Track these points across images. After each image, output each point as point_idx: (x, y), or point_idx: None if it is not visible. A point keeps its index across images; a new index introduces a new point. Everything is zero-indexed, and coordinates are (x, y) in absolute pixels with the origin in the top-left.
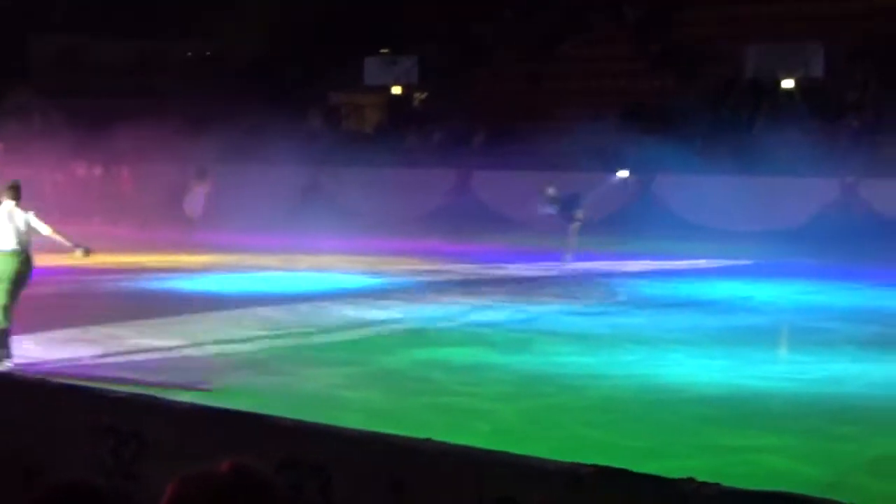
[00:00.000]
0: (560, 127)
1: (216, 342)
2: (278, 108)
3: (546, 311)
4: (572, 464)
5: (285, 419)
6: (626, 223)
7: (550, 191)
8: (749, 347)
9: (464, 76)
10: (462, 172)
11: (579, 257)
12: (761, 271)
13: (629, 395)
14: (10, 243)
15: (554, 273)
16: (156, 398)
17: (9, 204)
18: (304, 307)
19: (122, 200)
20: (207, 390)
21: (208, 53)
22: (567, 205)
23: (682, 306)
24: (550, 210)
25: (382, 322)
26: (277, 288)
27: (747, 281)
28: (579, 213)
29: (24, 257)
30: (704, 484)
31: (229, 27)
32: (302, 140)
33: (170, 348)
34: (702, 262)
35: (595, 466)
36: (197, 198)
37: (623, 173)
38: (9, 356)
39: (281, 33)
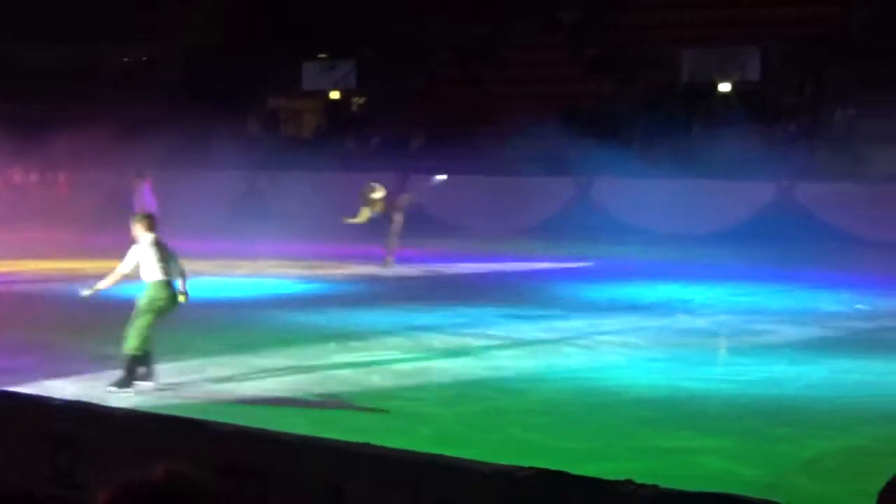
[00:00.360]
0: (498, 131)
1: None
2: (217, 114)
3: (486, 314)
4: (511, 466)
5: (224, 424)
6: (566, 227)
7: (376, 194)
8: (687, 349)
9: (401, 80)
10: (400, 176)
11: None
12: (699, 273)
13: (568, 397)
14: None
15: (494, 276)
16: (92, 405)
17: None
18: (241, 312)
19: (59, 206)
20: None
21: (145, 58)
22: (389, 206)
23: (621, 309)
24: (373, 215)
25: (321, 327)
26: (214, 293)
27: (685, 283)
28: (397, 216)
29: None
30: (642, 486)
31: (166, 32)
32: (241, 145)
33: (104, 356)
34: (639, 265)
35: (533, 469)
36: (145, 195)
37: (441, 177)
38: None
39: (219, 38)
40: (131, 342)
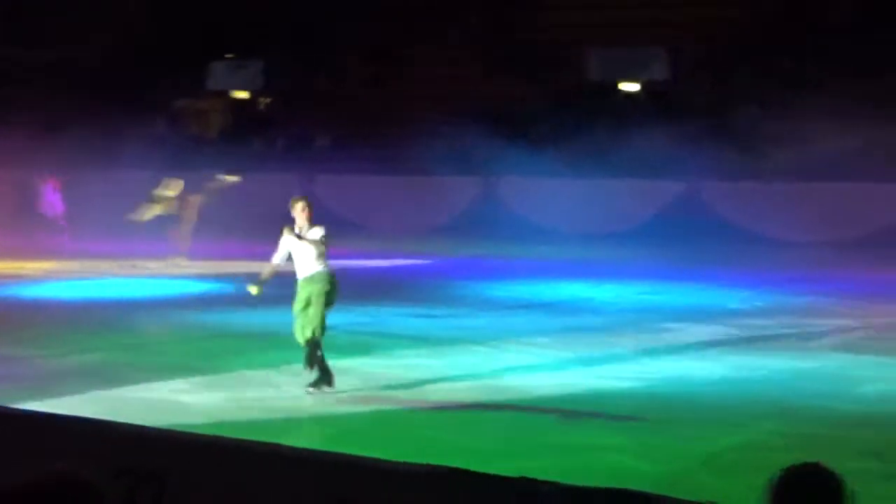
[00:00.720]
0: (406, 131)
1: (55, 348)
2: (126, 114)
3: (391, 313)
4: (414, 465)
5: (123, 425)
6: (473, 226)
7: (168, 192)
8: (591, 347)
9: (309, 80)
10: (305, 177)
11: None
12: (604, 272)
13: (473, 396)
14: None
15: (401, 276)
16: None
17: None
18: (145, 312)
19: None
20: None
21: (57, 60)
22: (182, 204)
23: (526, 307)
24: (164, 212)
25: (224, 326)
26: (119, 293)
27: (591, 282)
28: (189, 214)
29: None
30: (544, 482)
31: (77, 33)
32: (149, 145)
33: (7, 358)
34: (546, 264)
35: (436, 467)
36: (48, 195)
37: (232, 178)
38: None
39: (128, 39)
40: (309, 332)
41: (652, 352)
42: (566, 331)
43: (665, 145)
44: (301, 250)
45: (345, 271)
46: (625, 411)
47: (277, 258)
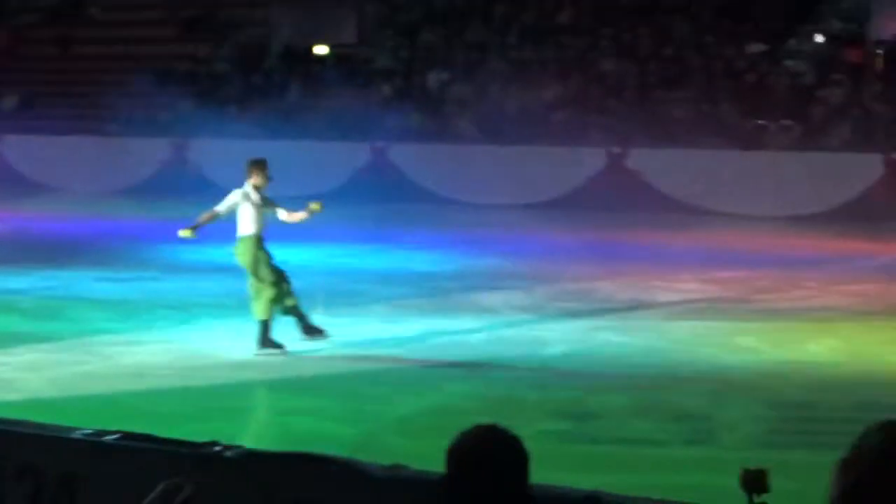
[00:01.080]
0: (96, 92)
1: None
2: None
3: (78, 277)
4: (95, 430)
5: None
6: (163, 188)
7: None
8: None
9: None
10: None
11: None
12: (295, 236)
13: (164, 361)
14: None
15: (89, 238)
16: None
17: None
18: None
19: None
20: None
21: None
22: None
23: (217, 271)
24: None
25: None
26: None
27: (281, 245)
28: None
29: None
30: (229, 446)
31: None
32: None
33: None
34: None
35: (120, 432)
36: None
37: None
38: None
39: None
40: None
41: (344, 315)
42: None
43: (354, 108)
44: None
45: (32, 233)
46: (315, 375)
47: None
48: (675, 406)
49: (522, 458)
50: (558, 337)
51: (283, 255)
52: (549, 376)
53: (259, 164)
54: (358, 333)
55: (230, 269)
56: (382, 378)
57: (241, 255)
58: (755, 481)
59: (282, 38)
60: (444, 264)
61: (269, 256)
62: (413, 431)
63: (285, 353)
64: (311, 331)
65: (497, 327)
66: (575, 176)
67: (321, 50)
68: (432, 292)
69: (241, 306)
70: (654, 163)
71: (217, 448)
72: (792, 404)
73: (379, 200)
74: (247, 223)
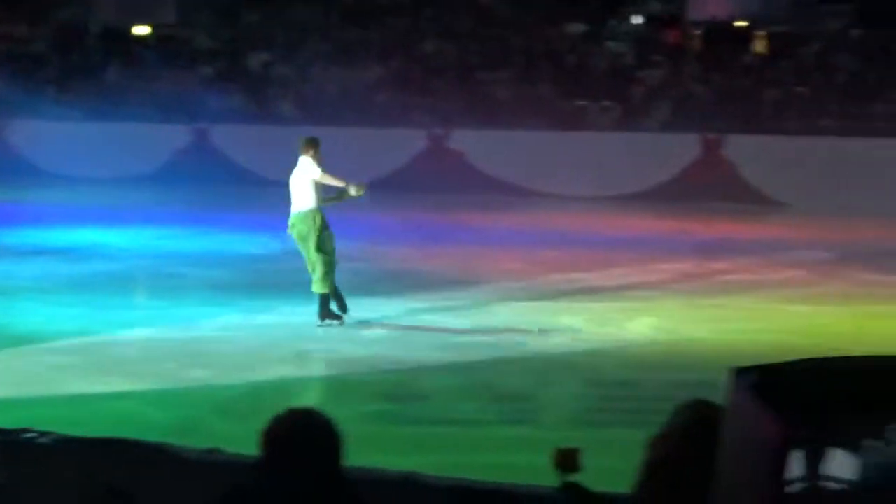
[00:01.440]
0: None
1: None
2: None
3: None
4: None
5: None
6: None
7: None
8: (104, 295)
9: None
10: None
11: None
12: (117, 218)
13: None
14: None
15: None
16: None
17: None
18: None
19: None
20: None
21: None
22: None
23: (35, 254)
24: None
25: None
26: None
27: (103, 228)
28: None
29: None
30: (42, 433)
31: None
32: None
33: None
34: (56, 210)
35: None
36: None
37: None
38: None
39: None
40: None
41: (164, 297)
42: (77, 277)
43: (175, 89)
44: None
45: None
46: (137, 358)
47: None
48: (499, 386)
49: (336, 441)
50: (383, 318)
51: (103, 237)
52: (373, 358)
53: (316, 141)
54: (178, 316)
55: (51, 252)
56: (202, 360)
57: (300, 227)
58: (567, 461)
59: (101, 19)
60: (266, 247)
61: (327, 229)
62: (234, 414)
63: (343, 324)
64: (332, 315)
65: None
66: (398, 157)
67: (141, 30)
68: (254, 275)
69: (61, 290)
70: (477, 144)
71: (30, 435)
72: (612, 382)
73: (200, 182)
74: (307, 197)
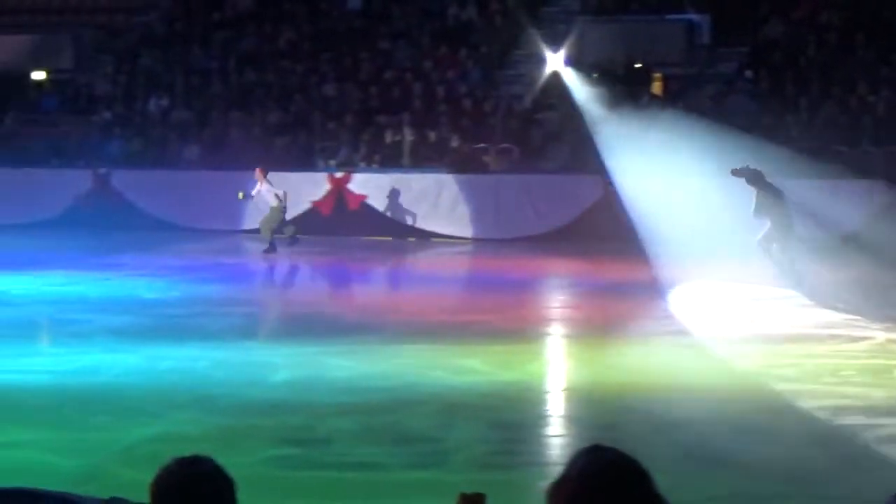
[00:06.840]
0: None
1: None
2: None
3: None
4: None
5: None
6: None
7: None
8: (4, 341)
9: None
10: None
11: None
12: (15, 263)
13: None
14: None
15: None
16: None
17: None
18: None
19: None
20: None
21: None
22: None
23: None
24: None
25: None
26: None
27: (2, 274)
28: None
29: None
30: None
31: None
32: None
33: None
34: None
35: None
36: None
37: None
38: None
39: None
40: None
41: (66, 344)
42: None
43: (74, 134)
44: None
45: None
46: (39, 406)
47: None
48: (402, 430)
49: (225, 485)
50: (285, 362)
51: (4, 283)
52: (276, 402)
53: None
54: (80, 362)
55: None
56: (106, 407)
57: None
58: None
59: (1, 63)
60: (168, 291)
61: None
62: (138, 461)
63: None
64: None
65: (219, 353)
66: (303, 202)
67: (38, 76)
68: (156, 319)
69: None
70: (377, 187)
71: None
72: (514, 425)
73: (102, 227)
74: None
